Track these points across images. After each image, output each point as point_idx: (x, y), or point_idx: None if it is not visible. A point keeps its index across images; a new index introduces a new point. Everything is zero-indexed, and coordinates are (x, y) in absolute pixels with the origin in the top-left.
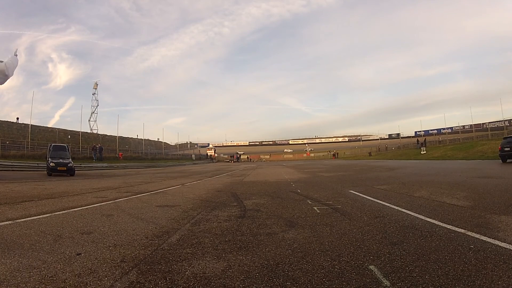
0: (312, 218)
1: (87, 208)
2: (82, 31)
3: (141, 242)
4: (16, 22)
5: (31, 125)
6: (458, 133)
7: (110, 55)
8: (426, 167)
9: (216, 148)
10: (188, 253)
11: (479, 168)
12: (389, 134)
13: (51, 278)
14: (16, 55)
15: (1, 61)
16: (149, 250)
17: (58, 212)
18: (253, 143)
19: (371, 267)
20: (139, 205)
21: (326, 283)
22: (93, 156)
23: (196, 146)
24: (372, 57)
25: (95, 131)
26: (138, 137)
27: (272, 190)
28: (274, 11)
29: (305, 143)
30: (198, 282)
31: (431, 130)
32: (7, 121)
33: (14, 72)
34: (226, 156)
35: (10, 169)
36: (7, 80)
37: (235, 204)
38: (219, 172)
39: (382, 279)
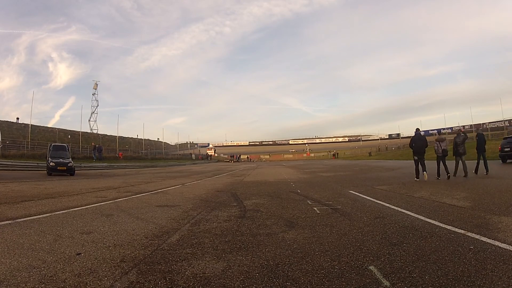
0: (312, 219)
1: (87, 208)
2: (82, 30)
3: (141, 242)
4: (16, 21)
5: (31, 125)
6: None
7: (110, 54)
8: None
9: (216, 148)
10: (188, 253)
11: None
12: (389, 134)
13: (51, 278)
14: None
15: None
16: (149, 250)
17: (58, 212)
18: (253, 143)
19: (371, 267)
20: (139, 205)
21: (326, 283)
22: (93, 156)
23: (196, 146)
24: (373, 57)
25: (95, 131)
26: (138, 137)
27: (272, 190)
28: (276, 11)
29: (305, 143)
30: (198, 282)
31: (431, 130)
32: (7, 121)
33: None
34: (226, 156)
35: (11, 168)
36: None
37: (235, 204)
38: (219, 172)
39: (382, 280)
